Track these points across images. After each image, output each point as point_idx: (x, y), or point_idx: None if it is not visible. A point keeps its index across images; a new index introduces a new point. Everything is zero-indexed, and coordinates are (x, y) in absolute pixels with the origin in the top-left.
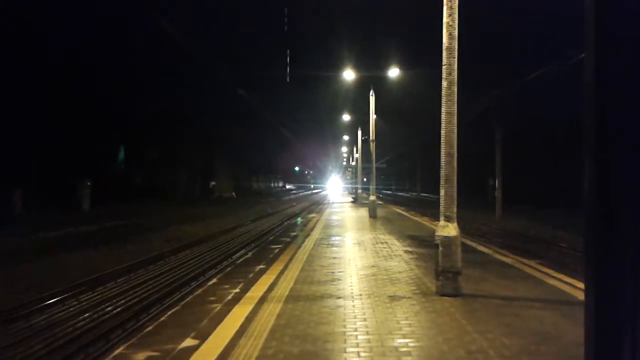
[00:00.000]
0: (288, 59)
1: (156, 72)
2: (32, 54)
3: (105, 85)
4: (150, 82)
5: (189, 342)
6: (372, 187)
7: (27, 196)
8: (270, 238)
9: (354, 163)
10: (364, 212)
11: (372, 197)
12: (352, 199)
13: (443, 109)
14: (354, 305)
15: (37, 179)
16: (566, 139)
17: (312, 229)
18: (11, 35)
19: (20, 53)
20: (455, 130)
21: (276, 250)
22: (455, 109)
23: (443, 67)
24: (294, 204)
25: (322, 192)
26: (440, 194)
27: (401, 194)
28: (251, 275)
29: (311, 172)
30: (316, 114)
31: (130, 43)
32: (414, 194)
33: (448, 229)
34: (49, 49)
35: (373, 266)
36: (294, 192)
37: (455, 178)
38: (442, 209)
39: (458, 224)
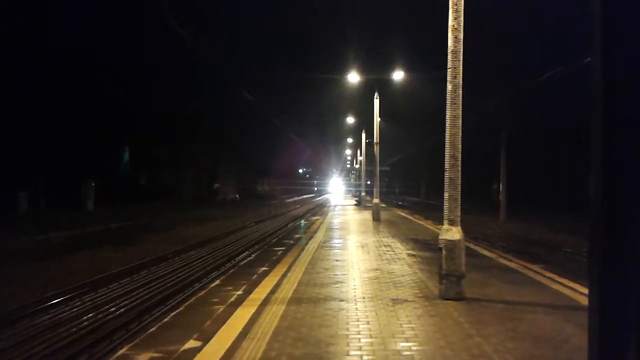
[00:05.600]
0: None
1: (163, 73)
2: (37, 54)
3: (111, 85)
4: (157, 83)
5: (192, 343)
6: (376, 190)
7: (32, 196)
8: (274, 240)
9: (357, 166)
10: (367, 215)
11: (376, 200)
12: (355, 202)
13: (448, 112)
14: (356, 308)
15: (42, 179)
16: (571, 143)
17: (315, 232)
18: (16, 35)
19: (25, 52)
20: (460, 134)
21: (279, 253)
22: (460, 112)
23: (448, 70)
24: (298, 206)
25: (325, 195)
26: (444, 197)
27: (404, 197)
28: (254, 277)
29: (315, 175)
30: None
31: (138, 44)
32: (417, 199)
33: (452, 233)
34: (54, 49)
35: (376, 269)
36: (297, 195)
37: (459, 181)
38: (445, 212)
39: (461, 227)
